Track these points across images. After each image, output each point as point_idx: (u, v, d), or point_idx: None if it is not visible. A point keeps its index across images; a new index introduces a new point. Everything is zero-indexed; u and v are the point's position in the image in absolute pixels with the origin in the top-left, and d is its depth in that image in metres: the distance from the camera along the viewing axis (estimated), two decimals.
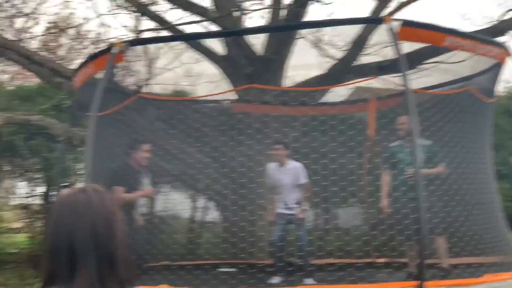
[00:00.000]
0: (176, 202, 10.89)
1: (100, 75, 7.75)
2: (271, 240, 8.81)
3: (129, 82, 11.10)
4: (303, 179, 8.84)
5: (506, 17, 12.01)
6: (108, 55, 7.57)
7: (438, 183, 7.78)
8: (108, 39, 12.77)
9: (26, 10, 14.86)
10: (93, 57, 8.30)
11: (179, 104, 9.24)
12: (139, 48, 10.52)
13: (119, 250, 2.08)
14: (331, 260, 8.69)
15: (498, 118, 14.33)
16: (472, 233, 7.69)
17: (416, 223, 6.68)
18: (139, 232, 7.93)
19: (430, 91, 9.31)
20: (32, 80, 18.34)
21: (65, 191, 2.22)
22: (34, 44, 16.73)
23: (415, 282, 6.47)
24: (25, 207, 16.04)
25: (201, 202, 12.27)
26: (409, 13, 22.32)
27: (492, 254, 7.92)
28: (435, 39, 7.55)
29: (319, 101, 11.04)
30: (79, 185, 2.10)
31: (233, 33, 10.77)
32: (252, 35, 10.54)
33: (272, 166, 9.01)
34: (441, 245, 7.95)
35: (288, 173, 8.83)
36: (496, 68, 8.45)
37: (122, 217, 2.16)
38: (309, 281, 8.33)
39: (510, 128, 16.16)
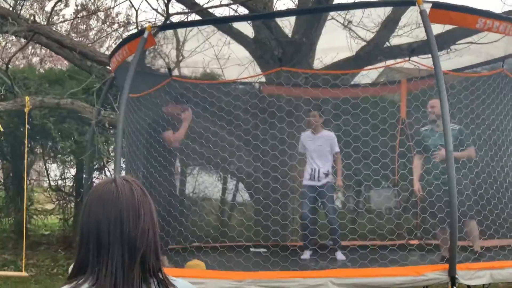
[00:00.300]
0: (207, 184, 10.98)
1: (132, 58, 7.81)
2: (301, 213, 8.88)
3: (161, 65, 11.16)
4: (337, 148, 8.92)
5: None
6: (139, 38, 7.64)
7: (470, 166, 7.75)
8: (137, 22, 12.77)
9: None
10: (126, 41, 8.39)
11: (211, 87, 9.26)
12: (170, 31, 10.57)
13: (146, 240, 2.12)
14: (363, 242, 8.71)
15: None
16: (505, 216, 7.66)
17: (447, 206, 6.68)
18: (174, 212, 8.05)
19: (462, 73, 9.24)
20: (62, 63, 18.50)
21: (97, 182, 2.28)
22: (64, 28, 16.85)
23: (446, 265, 6.47)
24: (57, 189, 16.21)
25: (232, 184, 12.35)
26: None
27: None
28: (466, 21, 7.47)
29: (350, 83, 11.01)
30: (113, 175, 2.14)
31: (263, 16, 10.76)
32: (281, 18, 10.51)
33: (305, 134, 9.09)
34: (473, 228, 7.94)
35: (321, 141, 8.89)
36: None
37: (153, 207, 2.20)
38: (340, 255, 8.40)
39: None
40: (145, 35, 7.48)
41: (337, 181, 9.02)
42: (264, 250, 8.67)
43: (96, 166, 14.23)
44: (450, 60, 9.69)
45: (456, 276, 6.38)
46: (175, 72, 11.17)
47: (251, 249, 8.76)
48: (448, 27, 8.84)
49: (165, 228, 7.56)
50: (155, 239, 2.16)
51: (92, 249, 2.10)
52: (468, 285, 7.82)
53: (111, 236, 2.08)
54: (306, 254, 8.56)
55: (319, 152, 8.93)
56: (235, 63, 11.23)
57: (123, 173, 8.72)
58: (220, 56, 11.86)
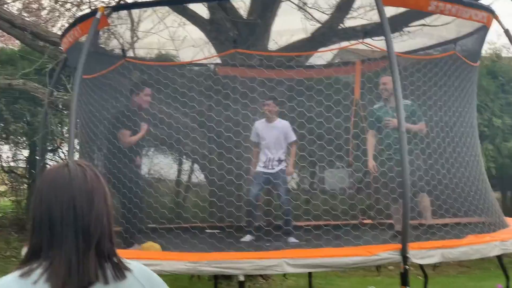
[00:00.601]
0: (162, 166, 10.95)
1: (84, 38, 7.73)
2: (247, 199, 8.90)
3: (114, 46, 11.05)
4: (293, 137, 8.95)
5: None
6: (92, 19, 7.55)
7: (422, 147, 7.86)
8: (90, 1, 12.63)
9: None
10: (79, 21, 8.29)
11: (165, 69, 9.21)
12: (123, 12, 10.47)
13: (100, 225, 2.12)
14: (317, 223, 8.78)
15: (482, 80, 14.46)
16: (456, 195, 7.79)
17: (400, 186, 6.77)
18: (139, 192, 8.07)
19: (415, 55, 9.34)
20: (14, 43, 18.16)
21: (49, 166, 2.26)
22: (15, 7, 16.54)
23: (399, 245, 6.57)
24: (9, 171, 16.00)
25: (187, 166, 12.34)
26: None
27: (476, 215, 8.04)
28: (419, 4, 7.55)
29: (305, 65, 11.04)
30: (66, 158, 2.13)
31: None
32: None
33: (259, 123, 9.09)
34: (426, 204, 8.06)
35: (276, 130, 8.90)
36: (481, 31, 8.48)
37: (107, 191, 2.19)
38: (292, 239, 8.46)
39: (493, 89, 16.28)
40: (98, 15, 7.39)
41: (288, 168, 9.04)
42: (219, 231, 8.69)
43: (49, 148, 14.08)
44: (403, 42, 9.76)
45: (408, 255, 6.49)
46: (130, 54, 11.08)
47: (206, 231, 8.77)
48: (401, 9, 8.93)
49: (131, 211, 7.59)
50: (109, 224, 2.15)
51: (45, 234, 2.08)
52: (420, 264, 7.98)
53: (64, 221, 2.06)
54: (247, 238, 8.60)
55: (274, 141, 8.92)
56: (190, 44, 11.18)
57: (76, 155, 8.66)
58: (175, 38, 11.81)
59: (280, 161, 8.89)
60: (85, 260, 2.05)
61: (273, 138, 8.90)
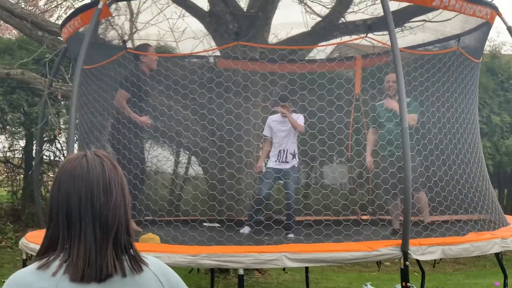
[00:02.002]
0: (161, 158, 10.89)
1: (86, 29, 7.69)
2: (258, 197, 8.86)
3: (115, 37, 10.99)
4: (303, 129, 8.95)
5: None
6: (93, 9, 7.50)
7: (424, 143, 7.82)
8: None
9: None
10: (79, 11, 8.24)
11: (165, 60, 9.16)
12: (123, 3, 10.41)
13: (118, 216, 2.09)
14: (317, 217, 8.75)
15: (481, 77, 14.43)
16: (457, 192, 7.77)
17: (400, 182, 6.74)
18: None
19: (418, 50, 9.30)
20: (11, 32, 18.08)
21: (67, 157, 2.23)
22: None
23: (399, 241, 6.55)
24: (5, 161, 15.93)
25: (186, 159, 12.29)
26: None
27: (476, 213, 8.02)
28: None
29: (306, 58, 10.99)
30: (89, 151, 2.10)
31: None
32: None
33: (273, 117, 9.04)
34: (424, 201, 8.04)
35: (289, 125, 8.87)
36: (484, 28, 8.45)
37: (124, 182, 2.16)
38: (291, 235, 8.46)
39: (492, 86, 16.28)
40: (100, 5, 7.34)
41: (294, 165, 9.01)
42: (218, 225, 8.65)
43: (46, 139, 14.01)
44: (403, 38, 9.74)
45: (409, 251, 6.47)
46: (129, 45, 11.02)
47: (205, 224, 8.73)
48: (403, 4, 8.89)
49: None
50: (126, 215, 2.12)
51: (63, 225, 2.06)
52: (418, 260, 7.96)
53: (82, 212, 2.04)
54: (246, 229, 8.59)
55: (288, 133, 8.87)
56: (190, 36, 11.13)
57: (75, 146, 8.61)
58: (174, 29, 11.75)
59: (294, 155, 8.86)
60: (103, 251, 2.03)
61: (287, 130, 8.85)
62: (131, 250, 2.11)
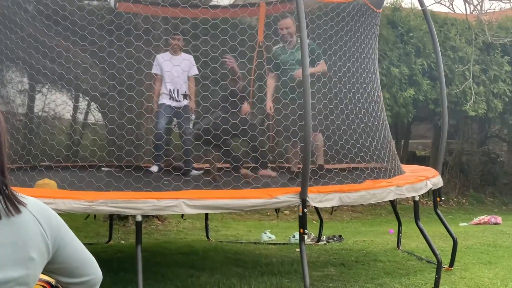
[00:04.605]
0: (58, 103, 10.58)
1: None
2: (156, 132, 8.79)
3: None
4: (195, 70, 8.90)
5: None
6: None
7: (324, 92, 7.85)
8: None
9: None
10: None
11: (63, 0, 8.81)
12: None
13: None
14: (217, 165, 8.72)
15: (382, 29, 14.64)
16: (354, 141, 7.87)
17: (302, 130, 6.75)
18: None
19: None
20: None
21: None
22: None
23: (298, 188, 6.59)
24: None
25: (84, 103, 11.99)
26: None
27: (373, 161, 8.17)
28: None
29: (210, 4, 10.82)
30: None
31: None
32: None
33: (163, 56, 8.96)
34: (320, 144, 8.10)
35: (180, 64, 8.79)
36: None
37: (2, 125, 2.06)
38: (194, 172, 8.47)
39: (393, 38, 16.54)
40: None
41: (190, 104, 9.02)
42: (116, 169, 8.50)
43: None
44: None
45: (307, 198, 6.53)
46: None
47: (103, 169, 8.57)
48: None
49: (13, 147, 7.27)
50: (1, 156, 2.00)
51: None
52: (317, 208, 8.07)
53: None
54: (155, 168, 8.57)
55: (178, 73, 8.82)
56: None
57: None
58: None
59: (185, 95, 8.84)
60: None
61: (177, 69, 8.78)
62: (7, 190, 2.00)
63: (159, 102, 8.93)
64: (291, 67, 8.14)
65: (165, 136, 8.75)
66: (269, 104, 8.53)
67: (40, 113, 10.74)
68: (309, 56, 7.67)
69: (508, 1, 16.25)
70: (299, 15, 6.37)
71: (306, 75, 6.30)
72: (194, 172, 8.54)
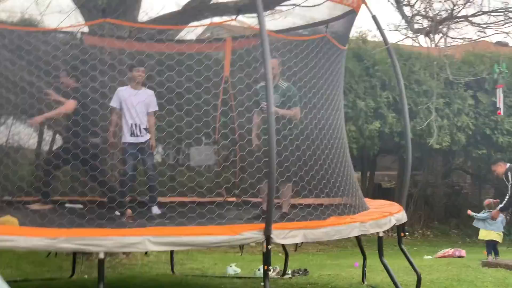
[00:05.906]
0: (22, 136, 10.46)
1: None
2: (123, 171, 8.71)
3: None
4: (155, 106, 8.85)
5: None
6: None
7: (290, 128, 7.89)
8: None
9: None
10: None
11: (28, 35, 8.77)
12: None
13: None
14: (181, 199, 8.68)
15: (348, 62, 14.79)
16: (319, 177, 7.89)
17: (266, 167, 6.77)
18: None
19: (286, 35, 9.33)
20: None
21: None
22: None
23: (262, 225, 6.59)
24: None
25: (48, 136, 11.87)
26: None
27: (337, 197, 8.19)
28: None
29: (176, 39, 10.84)
30: None
31: None
32: None
33: (124, 89, 8.86)
34: (287, 191, 8.14)
35: (141, 98, 8.74)
36: (351, 15, 8.60)
37: None
38: (156, 209, 8.40)
39: (358, 72, 16.71)
40: None
41: (147, 140, 8.91)
42: (80, 206, 8.41)
43: None
44: (274, 21, 9.78)
45: (271, 235, 6.52)
46: None
47: (67, 205, 8.48)
48: None
49: None
50: None
51: None
52: (282, 244, 8.07)
53: None
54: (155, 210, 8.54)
55: (140, 108, 8.77)
56: (56, 10, 10.75)
57: None
58: (39, 2, 11.31)
59: (146, 129, 8.77)
60: None
61: (138, 105, 8.73)
62: None
63: (122, 141, 8.82)
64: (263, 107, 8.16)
65: (131, 173, 8.66)
66: (254, 142, 8.51)
67: (3, 146, 10.62)
68: (290, 98, 7.75)
69: (470, 39, 16.49)
70: (263, 51, 6.39)
71: (271, 113, 6.31)
72: (155, 210, 8.45)
